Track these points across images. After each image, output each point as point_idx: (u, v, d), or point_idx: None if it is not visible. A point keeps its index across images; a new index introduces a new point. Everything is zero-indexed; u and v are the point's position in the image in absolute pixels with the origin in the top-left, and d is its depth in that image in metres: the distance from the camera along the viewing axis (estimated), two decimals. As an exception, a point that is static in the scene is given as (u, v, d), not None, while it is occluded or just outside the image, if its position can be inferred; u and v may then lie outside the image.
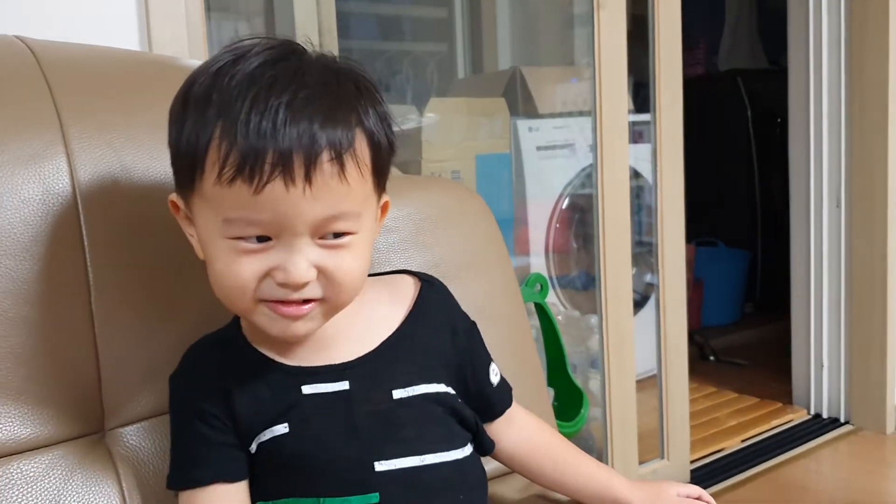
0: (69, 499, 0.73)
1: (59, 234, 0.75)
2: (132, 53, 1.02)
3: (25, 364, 0.73)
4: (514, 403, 0.83)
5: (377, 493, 0.68)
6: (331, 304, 0.67)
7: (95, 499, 0.74)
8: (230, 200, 0.61)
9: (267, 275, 0.64)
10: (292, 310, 0.65)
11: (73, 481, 0.74)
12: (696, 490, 0.85)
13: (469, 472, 0.74)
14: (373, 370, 0.71)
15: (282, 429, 0.68)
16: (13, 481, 0.72)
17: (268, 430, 0.68)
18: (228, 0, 2.02)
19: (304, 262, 0.63)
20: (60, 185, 0.75)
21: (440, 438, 0.72)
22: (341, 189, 0.62)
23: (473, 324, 0.80)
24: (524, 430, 0.83)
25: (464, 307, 0.81)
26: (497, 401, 0.81)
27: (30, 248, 0.73)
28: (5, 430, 0.72)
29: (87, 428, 0.77)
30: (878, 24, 2.25)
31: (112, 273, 0.77)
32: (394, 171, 1.10)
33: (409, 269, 0.83)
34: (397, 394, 0.71)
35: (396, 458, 0.69)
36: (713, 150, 3.34)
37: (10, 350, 0.73)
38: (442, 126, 2.17)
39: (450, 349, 0.76)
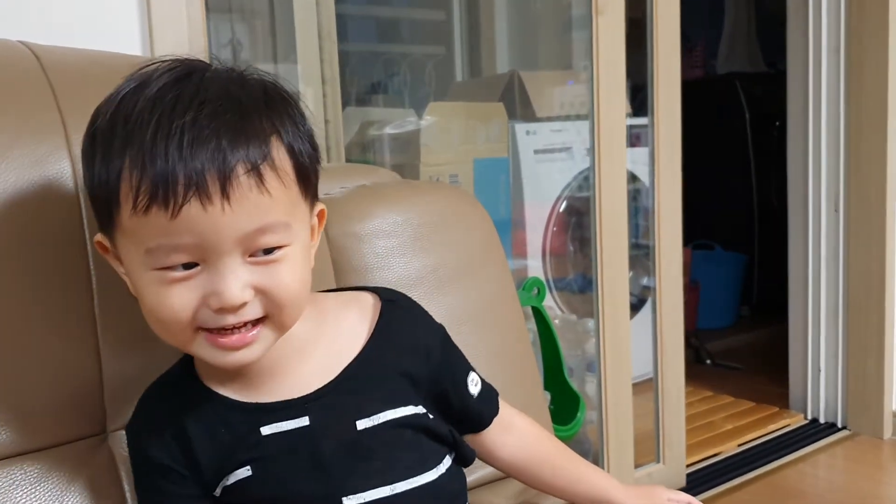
0: (72, 500, 0.74)
1: (62, 238, 0.76)
2: (135, 58, 1.02)
3: (29, 367, 0.74)
4: (511, 409, 0.82)
5: None
6: (277, 322, 0.64)
7: (98, 500, 0.75)
8: (148, 229, 0.59)
9: (202, 303, 0.61)
10: (234, 340, 0.62)
11: (76, 483, 0.75)
12: (686, 497, 0.86)
13: (444, 490, 0.73)
14: (334, 402, 0.68)
15: (245, 472, 0.66)
16: (16, 483, 0.72)
17: (231, 475, 0.67)
18: (229, 3, 2.02)
19: (236, 282, 0.60)
20: (64, 190, 0.76)
21: (411, 463, 0.70)
22: (263, 201, 0.60)
23: (445, 334, 0.77)
24: (524, 437, 0.82)
25: (461, 311, 0.80)
26: (482, 410, 0.79)
27: (33, 251, 0.74)
28: (8, 432, 0.73)
29: (89, 430, 0.78)
30: (877, 28, 2.26)
31: (114, 276, 0.77)
32: (392, 176, 1.11)
33: (374, 284, 0.81)
34: (361, 424, 0.68)
35: (365, 490, 0.67)
36: (711, 154, 3.34)
37: (13, 352, 0.73)
38: (440, 130, 2.18)
39: (421, 368, 0.73)
